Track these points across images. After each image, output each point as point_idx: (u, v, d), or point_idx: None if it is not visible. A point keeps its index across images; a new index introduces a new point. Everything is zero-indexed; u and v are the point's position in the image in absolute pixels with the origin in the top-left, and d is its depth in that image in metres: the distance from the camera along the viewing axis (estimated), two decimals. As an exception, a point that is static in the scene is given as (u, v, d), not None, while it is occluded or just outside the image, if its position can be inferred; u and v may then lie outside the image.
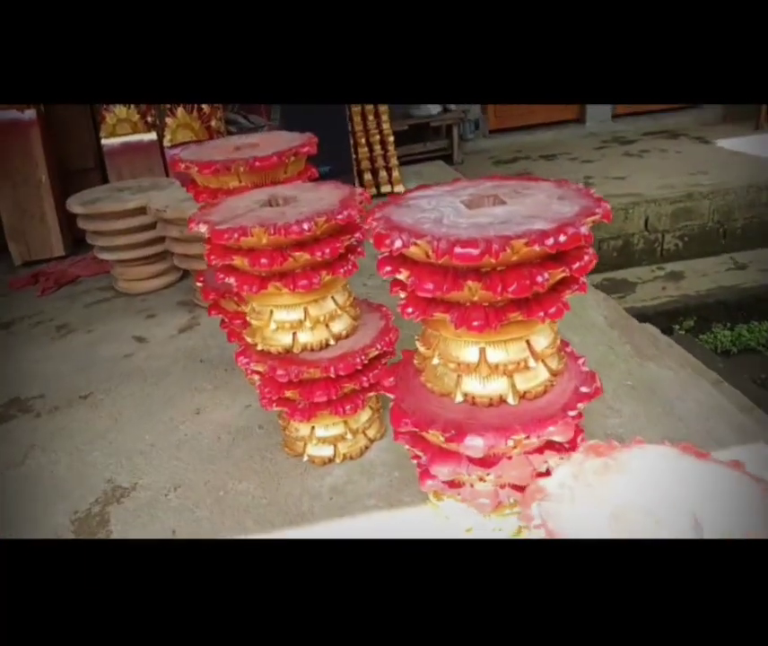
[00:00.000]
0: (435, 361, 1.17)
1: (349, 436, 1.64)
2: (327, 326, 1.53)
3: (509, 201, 1.11)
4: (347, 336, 1.56)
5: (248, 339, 1.58)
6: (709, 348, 3.61)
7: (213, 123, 3.30)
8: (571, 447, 1.14)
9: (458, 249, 0.93)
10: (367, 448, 1.69)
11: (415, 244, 0.99)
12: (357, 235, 1.46)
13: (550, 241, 0.93)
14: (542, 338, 1.14)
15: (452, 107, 6.19)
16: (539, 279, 0.98)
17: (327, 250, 1.38)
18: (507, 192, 1.16)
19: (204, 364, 2.28)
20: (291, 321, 1.50)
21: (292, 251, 1.36)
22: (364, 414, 1.66)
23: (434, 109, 6.12)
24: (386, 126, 4.49)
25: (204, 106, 3.24)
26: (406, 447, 1.25)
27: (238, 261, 1.40)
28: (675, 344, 2.15)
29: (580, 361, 1.25)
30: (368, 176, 4.37)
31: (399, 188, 4.35)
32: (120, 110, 3.33)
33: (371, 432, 1.70)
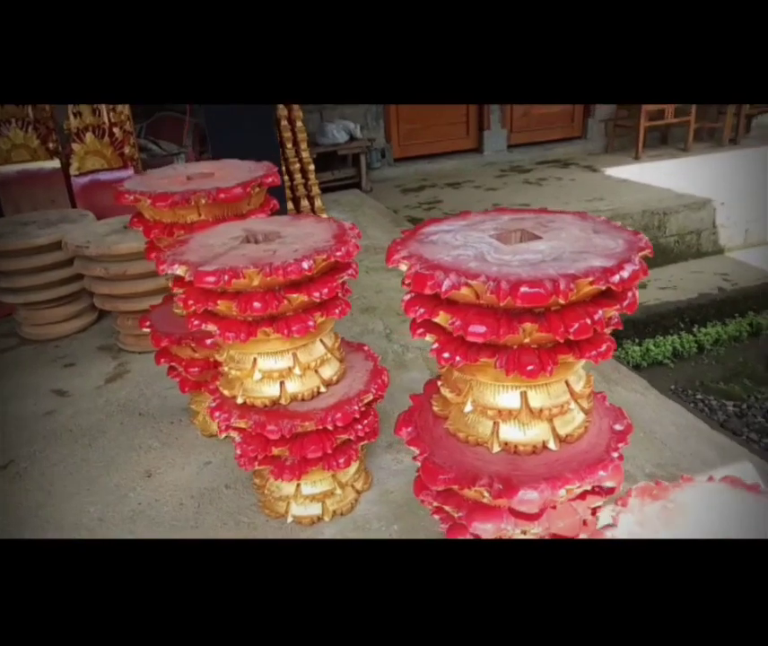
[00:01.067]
0: (468, 408, 1.08)
1: (338, 491, 1.50)
2: (316, 372, 1.39)
3: (543, 235, 1.05)
4: (337, 382, 1.43)
5: (225, 391, 1.40)
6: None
7: (126, 150, 3.02)
8: (611, 489, 1.09)
9: (524, 289, 0.85)
10: (356, 501, 1.55)
11: (467, 285, 0.90)
12: (350, 272, 1.34)
13: (615, 279, 0.88)
14: (578, 378, 1.09)
15: (359, 135, 6.20)
16: (596, 318, 0.92)
17: (325, 290, 1.25)
18: (533, 225, 1.10)
19: (144, 418, 2.02)
20: (279, 369, 1.34)
21: (286, 293, 1.22)
22: (353, 466, 1.53)
23: (341, 137, 6.11)
24: (305, 154, 4.38)
25: (116, 130, 2.96)
26: (430, 503, 1.15)
27: (223, 306, 1.23)
28: (630, 369, 2.21)
29: (600, 396, 1.21)
30: (289, 205, 4.22)
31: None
32: (16, 134, 2.96)
33: (359, 484, 1.57)
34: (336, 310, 1.33)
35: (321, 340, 1.41)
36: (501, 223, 1.13)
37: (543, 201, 5.11)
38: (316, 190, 4.38)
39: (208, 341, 1.58)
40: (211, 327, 1.28)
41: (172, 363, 1.75)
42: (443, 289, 0.91)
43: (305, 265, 1.19)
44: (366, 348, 1.58)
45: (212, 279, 1.17)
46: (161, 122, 3.95)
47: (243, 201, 1.61)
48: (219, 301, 1.23)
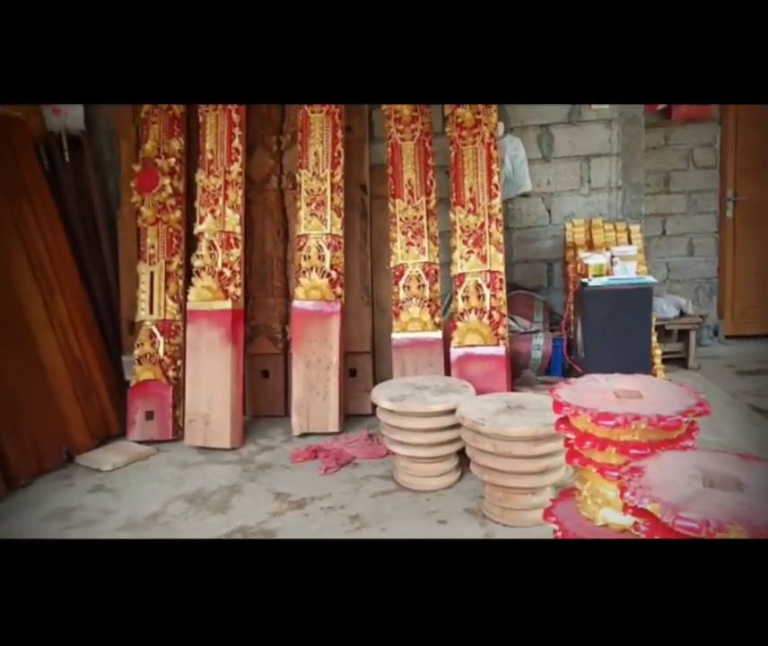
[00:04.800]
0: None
1: None
2: None
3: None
4: None
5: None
6: None
7: (500, 330, 3.40)
8: None
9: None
10: None
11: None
12: None
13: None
14: None
15: (689, 310, 5.92)
16: None
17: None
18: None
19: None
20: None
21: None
22: None
23: (671, 312, 5.90)
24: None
25: (494, 313, 3.37)
26: None
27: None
28: None
29: None
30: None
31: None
32: (413, 310, 3.60)
33: None
34: None
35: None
36: None
37: None
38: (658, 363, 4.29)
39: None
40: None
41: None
42: None
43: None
44: None
45: (694, 526, 1.23)
46: (512, 299, 4.35)
47: (674, 430, 1.67)
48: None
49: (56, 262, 3.66)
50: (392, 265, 3.79)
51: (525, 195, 4.57)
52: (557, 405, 1.79)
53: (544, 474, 2.57)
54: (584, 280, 3.38)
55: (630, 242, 4.12)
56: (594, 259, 3.44)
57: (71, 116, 4.00)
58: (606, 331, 3.23)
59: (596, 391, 1.86)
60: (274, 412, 4.22)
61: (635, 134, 4.55)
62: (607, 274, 3.39)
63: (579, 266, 3.74)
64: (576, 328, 3.67)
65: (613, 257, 3.42)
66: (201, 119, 3.72)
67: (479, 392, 3.10)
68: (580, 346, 3.48)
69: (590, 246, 4.16)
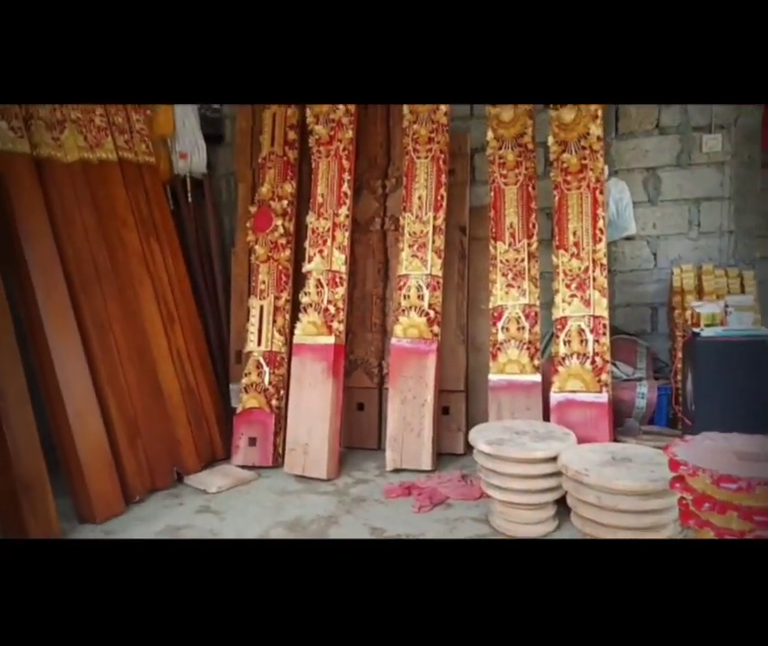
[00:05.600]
0: None
1: None
2: None
3: None
4: None
5: None
6: None
7: (603, 376, 3.32)
8: None
9: None
10: None
11: None
12: None
13: None
14: None
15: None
16: None
17: None
18: None
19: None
20: None
21: None
22: None
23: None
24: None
25: (597, 359, 3.30)
26: None
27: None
28: None
29: None
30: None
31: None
32: (512, 352, 3.59)
33: None
34: None
35: None
36: None
37: None
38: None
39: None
40: None
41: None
42: None
43: None
44: None
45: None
46: (614, 343, 4.23)
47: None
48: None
49: (177, 294, 3.97)
50: (491, 306, 3.81)
51: (629, 238, 4.47)
52: (673, 463, 1.74)
53: (650, 530, 2.47)
54: (695, 330, 3.25)
55: (743, 289, 3.91)
56: (706, 308, 3.30)
57: (195, 161, 4.37)
58: (719, 385, 3.07)
59: (714, 450, 1.79)
60: (367, 444, 4.31)
61: (749, 176, 4.34)
62: (721, 323, 3.23)
63: (688, 314, 3.60)
64: (685, 379, 3.51)
65: (727, 306, 3.27)
66: (314, 165, 3.95)
67: (580, 440, 3.03)
68: (689, 398, 3.32)
69: (700, 292, 3.98)
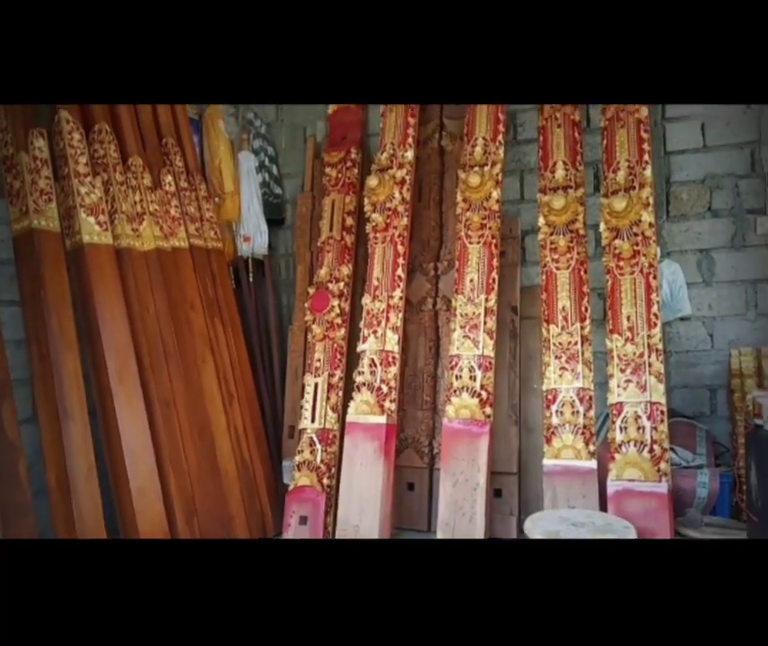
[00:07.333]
0: None
1: None
2: None
3: None
4: None
5: None
6: None
7: (662, 465, 3.25)
8: None
9: None
10: None
11: None
12: None
13: None
14: None
15: None
16: None
17: None
18: None
19: None
20: None
21: None
22: None
23: None
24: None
25: (656, 447, 3.24)
26: None
27: None
28: None
29: None
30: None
31: None
32: (567, 436, 3.56)
33: None
34: None
35: None
36: None
37: None
38: None
39: None
40: None
41: None
42: None
43: None
44: None
45: None
46: (671, 426, 4.13)
47: None
48: None
49: (237, 372, 4.13)
50: (544, 388, 3.80)
51: (684, 318, 4.42)
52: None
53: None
54: (758, 422, 3.16)
55: (807, 373, 3.80)
56: (769, 398, 3.21)
57: (258, 243, 4.61)
58: (787, 480, 2.96)
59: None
60: (417, 525, 4.27)
61: (810, 257, 4.27)
62: (785, 414, 3.14)
63: (749, 399, 3.50)
64: (749, 469, 3.39)
65: (790, 395, 3.18)
66: (370, 250, 4.11)
67: (639, 532, 2.95)
68: (754, 492, 3.20)
69: (759, 375, 3.89)
